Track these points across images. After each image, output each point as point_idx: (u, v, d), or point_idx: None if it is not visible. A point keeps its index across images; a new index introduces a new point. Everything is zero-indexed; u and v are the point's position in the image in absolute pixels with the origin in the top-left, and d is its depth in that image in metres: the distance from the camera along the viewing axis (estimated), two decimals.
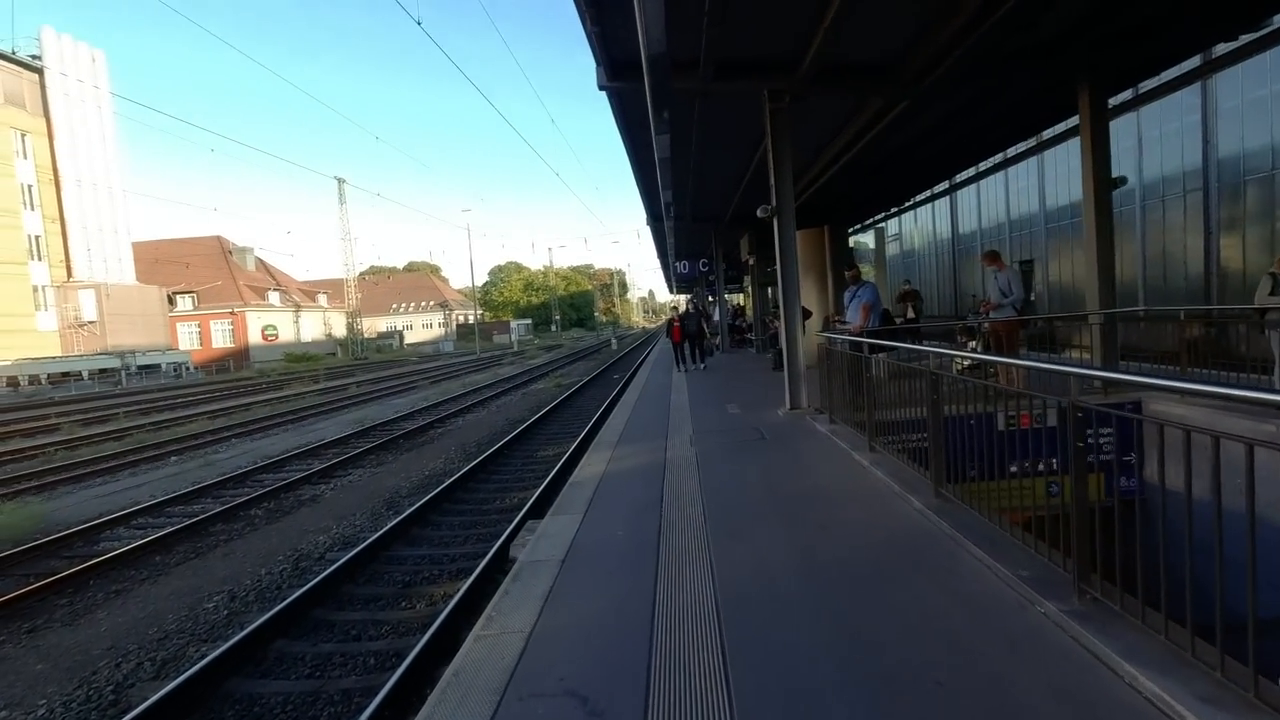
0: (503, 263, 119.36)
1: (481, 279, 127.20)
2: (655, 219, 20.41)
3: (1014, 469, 3.93)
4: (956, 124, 9.88)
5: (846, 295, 8.39)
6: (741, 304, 37.26)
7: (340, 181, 56.12)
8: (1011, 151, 13.42)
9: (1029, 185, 20.73)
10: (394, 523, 7.71)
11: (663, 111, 7.66)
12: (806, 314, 15.89)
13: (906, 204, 20.38)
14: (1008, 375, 7.73)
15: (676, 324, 15.21)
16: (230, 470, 11.83)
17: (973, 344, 10.15)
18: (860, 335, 7.49)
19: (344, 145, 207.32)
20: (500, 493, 9.40)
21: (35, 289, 40.74)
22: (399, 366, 44.36)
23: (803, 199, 16.01)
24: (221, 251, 60.47)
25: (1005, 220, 22.52)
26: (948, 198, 25.39)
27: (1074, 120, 10.61)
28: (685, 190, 15.59)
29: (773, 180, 7.98)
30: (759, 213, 8.12)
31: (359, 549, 6.90)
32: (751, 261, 21.79)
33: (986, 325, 8.55)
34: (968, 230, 25.63)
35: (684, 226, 20.87)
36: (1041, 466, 3.62)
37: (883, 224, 26.48)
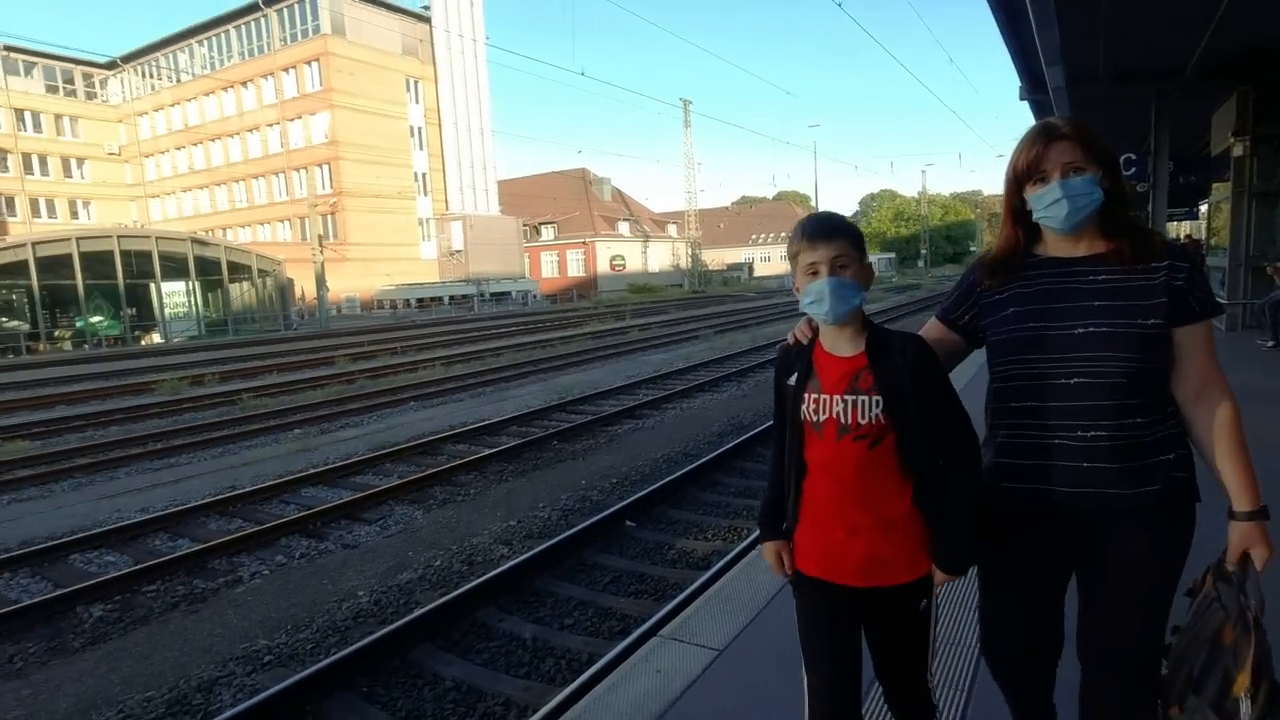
0: (875, 191, 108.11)
1: (852, 209, 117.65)
2: (1035, 88, 11.59)
3: None
4: None
5: None
6: (1189, 235, 23.92)
7: (685, 103, 53.21)
8: None
9: None
10: None
11: None
12: None
13: None
14: None
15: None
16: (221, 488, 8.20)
17: None
18: None
19: (688, 75, 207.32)
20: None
21: (420, 221, 46.15)
22: (722, 304, 40.37)
23: None
24: (583, 184, 63.18)
25: None
26: None
27: None
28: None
29: None
30: None
31: None
32: (1241, 150, 11.50)
33: None
34: None
35: (1093, 98, 11.53)
36: None
37: None
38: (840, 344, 1.63)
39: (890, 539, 1.59)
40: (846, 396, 1.57)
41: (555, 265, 58.07)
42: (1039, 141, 1.56)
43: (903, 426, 1.55)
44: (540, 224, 58.43)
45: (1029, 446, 1.62)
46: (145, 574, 5.42)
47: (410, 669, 4.06)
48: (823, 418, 1.59)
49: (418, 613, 4.46)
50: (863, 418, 1.55)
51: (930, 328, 1.86)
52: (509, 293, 44.66)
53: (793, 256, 1.62)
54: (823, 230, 1.57)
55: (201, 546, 5.92)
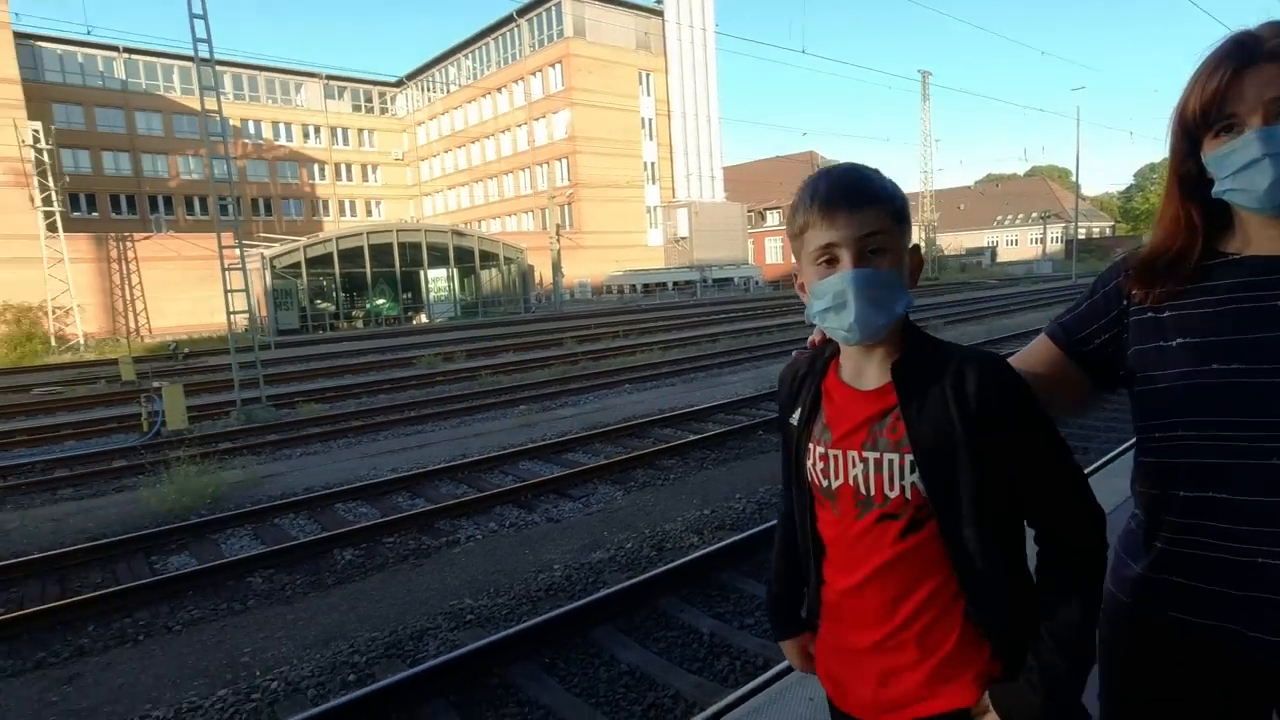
0: (1156, 160, 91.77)
1: (1125, 183, 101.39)
2: None
3: None
4: None
5: None
6: None
7: (924, 75, 49.14)
8: None
9: None
10: None
11: None
12: None
13: None
14: None
15: None
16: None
17: None
18: None
19: (924, 44, 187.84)
20: None
21: (648, 209, 47.92)
22: (957, 292, 36.90)
23: None
24: (810, 167, 61.30)
25: None
26: None
27: None
28: None
29: None
30: None
31: None
32: None
33: None
34: None
35: None
36: None
37: None
38: (867, 370, 1.04)
39: (921, 668, 1.00)
40: (867, 454, 1.00)
41: (779, 251, 57.05)
42: (1225, 65, 0.93)
43: (946, 503, 0.96)
44: (765, 209, 57.75)
45: (1213, 562, 0.99)
46: (387, 526, 6.22)
47: (590, 647, 4.19)
48: (836, 483, 1.03)
49: (603, 593, 4.59)
50: (890, 488, 0.98)
51: (1034, 354, 1.19)
52: (731, 279, 44.79)
53: (796, 234, 1.02)
54: (845, 194, 0.95)
55: (432, 507, 6.66)
